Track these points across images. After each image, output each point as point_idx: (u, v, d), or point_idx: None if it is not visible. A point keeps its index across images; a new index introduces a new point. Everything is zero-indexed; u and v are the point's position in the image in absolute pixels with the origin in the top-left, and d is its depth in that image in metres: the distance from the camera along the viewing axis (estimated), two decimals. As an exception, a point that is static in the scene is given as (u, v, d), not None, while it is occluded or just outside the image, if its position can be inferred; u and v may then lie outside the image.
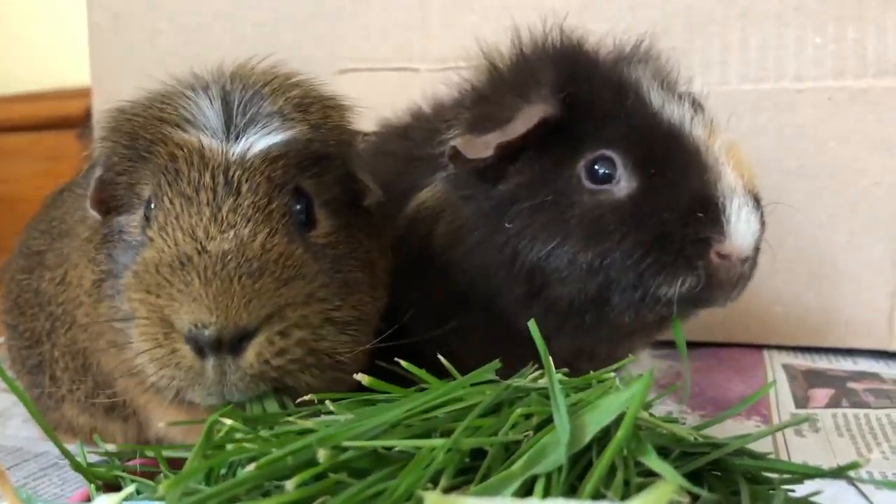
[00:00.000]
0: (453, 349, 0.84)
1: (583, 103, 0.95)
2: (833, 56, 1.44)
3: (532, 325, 0.75)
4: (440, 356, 0.80)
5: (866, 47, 1.43)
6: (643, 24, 1.50)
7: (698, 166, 0.91)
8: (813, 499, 0.73)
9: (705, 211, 0.89)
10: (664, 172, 0.92)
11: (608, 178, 0.93)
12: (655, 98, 0.96)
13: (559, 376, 0.68)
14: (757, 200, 0.93)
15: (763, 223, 0.94)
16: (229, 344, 0.76)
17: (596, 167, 0.93)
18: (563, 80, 0.95)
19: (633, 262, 0.89)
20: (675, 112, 0.95)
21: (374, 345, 0.89)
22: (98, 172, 0.91)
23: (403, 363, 0.77)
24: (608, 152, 0.93)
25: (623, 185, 0.93)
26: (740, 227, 0.89)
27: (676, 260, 0.89)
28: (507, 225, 0.95)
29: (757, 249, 0.94)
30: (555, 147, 0.96)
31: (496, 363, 0.76)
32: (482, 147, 0.94)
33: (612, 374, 0.74)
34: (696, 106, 1.00)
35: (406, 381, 0.78)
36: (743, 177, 0.93)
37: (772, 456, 0.79)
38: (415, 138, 1.13)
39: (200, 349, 0.76)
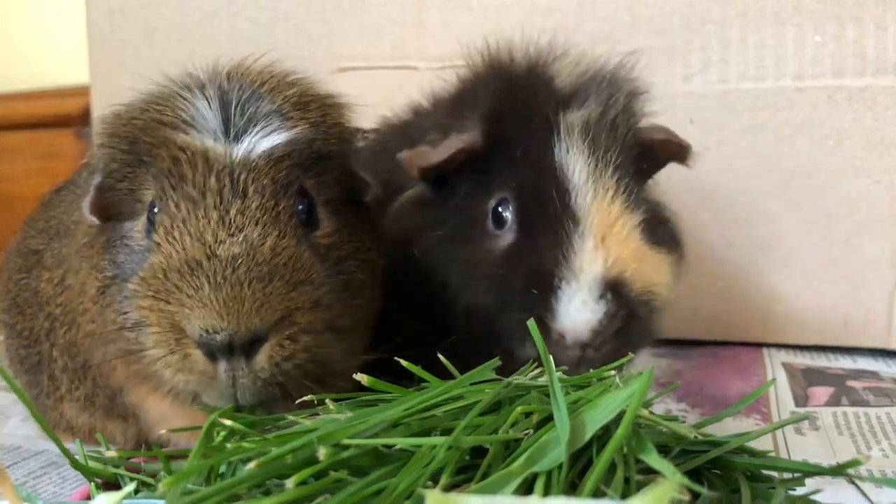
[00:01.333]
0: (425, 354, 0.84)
1: (505, 140, 0.94)
2: (832, 55, 1.44)
3: (531, 324, 0.75)
4: (440, 356, 0.80)
5: (865, 46, 1.43)
6: (641, 22, 1.51)
7: (561, 237, 0.89)
8: (813, 497, 0.73)
9: (539, 288, 0.87)
10: (532, 234, 0.91)
11: (504, 223, 0.93)
12: (561, 149, 0.93)
13: (559, 374, 0.68)
14: (612, 287, 0.88)
15: (612, 314, 0.87)
16: (241, 348, 0.76)
17: (499, 209, 0.93)
18: (494, 113, 0.95)
19: (495, 317, 0.89)
20: (576, 170, 0.92)
21: (369, 358, 0.88)
22: (97, 179, 0.90)
23: (403, 362, 0.76)
24: (508, 197, 0.93)
25: (508, 236, 0.93)
26: (570, 313, 0.86)
27: (518, 328, 0.86)
28: (413, 251, 0.96)
29: (606, 336, 0.88)
30: (478, 177, 0.96)
31: (496, 361, 0.76)
32: (410, 166, 0.96)
33: (612, 373, 0.74)
34: (605, 164, 0.94)
35: (398, 383, 0.77)
36: (610, 258, 0.88)
37: (772, 454, 0.79)
38: (411, 136, 1.13)
39: (212, 354, 0.76)
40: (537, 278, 0.88)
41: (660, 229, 0.99)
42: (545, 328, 0.86)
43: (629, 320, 0.89)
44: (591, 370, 0.80)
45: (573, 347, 0.87)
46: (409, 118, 1.21)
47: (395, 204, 1.04)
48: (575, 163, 0.92)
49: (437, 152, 0.94)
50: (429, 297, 0.96)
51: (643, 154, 0.99)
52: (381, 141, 1.22)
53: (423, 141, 1.00)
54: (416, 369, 0.76)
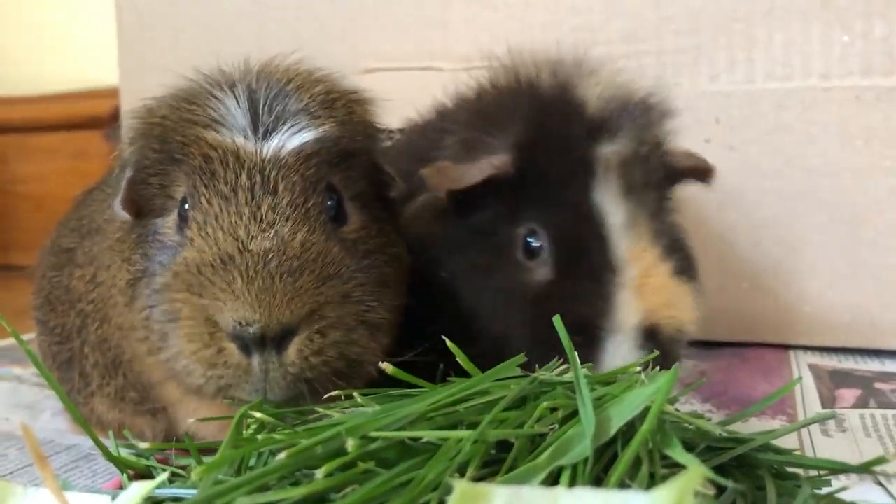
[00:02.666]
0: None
1: (537, 169, 0.93)
2: (860, 54, 1.43)
3: (557, 320, 0.75)
4: (461, 353, 0.79)
5: (894, 45, 1.42)
6: (668, 21, 1.51)
7: (603, 284, 0.90)
8: (839, 496, 0.73)
9: (584, 337, 0.86)
10: (572, 276, 0.91)
11: (535, 255, 0.93)
12: (600, 190, 0.92)
13: (584, 371, 0.69)
14: (648, 335, 0.90)
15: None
16: (273, 341, 0.77)
17: (529, 239, 0.93)
18: (527, 137, 0.94)
19: (529, 349, 0.85)
20: (614, 213, 0.92)
21: (401, 360, 0.88)
22: (128, 174, 0.92)
23: (450, 343, 0.77)
24: (539, 229, 0.93)
25: (543, 271, 0.92)
26: (614, 363, 0.87)
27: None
28: (441, 274, 0.96)
29: None
30: (505, 201, 0.95)
31: (521, 357, 0.76)
32: (437, 185, 0.95)
33: (638, 369, 0.74)
34: (640, 209, 0.94)
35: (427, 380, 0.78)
36: (648, 309, 0.90)
37: (798, 454, 0.78)
38: (433, 137, 1.12)
39: (246, 346, 0.78)
40: (580, 327, 0.86)
41: (681, 257, 0.99)
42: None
43: (661, 362, 0.88)
44: None
45: None
46: (433, 118, 1.22)
47: (410, 206, 1.04)
48: (612, 204, 0.92)
49: (468, 175, 0.93)
50: (450, 308, 0.96)
51: (670, 178, 1.01)
52: (406, 140, 1.22)
53: (445, 153, 0.99)
54: (412, 379, 0.76)
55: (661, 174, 0.98)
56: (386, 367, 0.74)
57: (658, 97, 1.01)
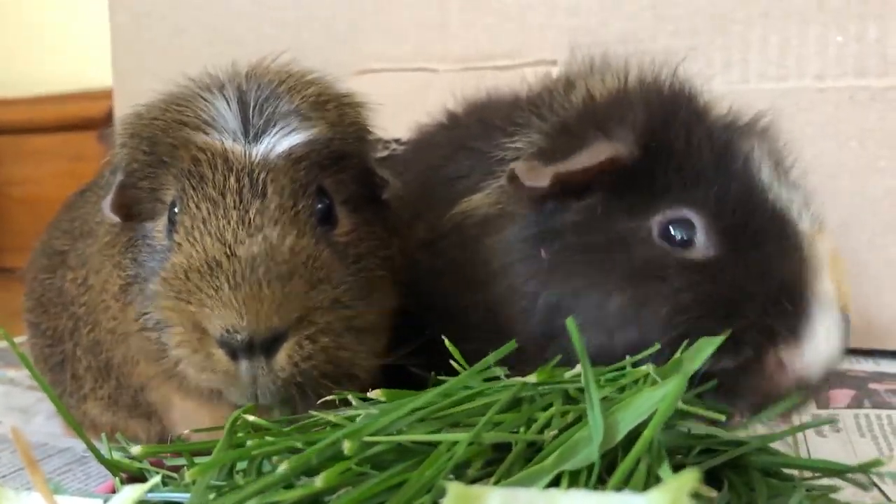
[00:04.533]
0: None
1: (671, 154, 0.85)
2: (855, 55, 1.43)
3: (570, 322, 0.71)
4: (453, 349, 0.78)
5: (888, 46, 1.42)
6: (664, 22, 1.51)
7: (797, 259, 0.80)
8: (832, 496, 0.73)
9: (793, 304, 0.78)
10: (755, 248, 0.81)
11: (684, 243, 0.83)
12: (765, 174, 0.85)
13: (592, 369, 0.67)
14: (846, 323, 0.81)
15: (843, 351, 0.81)
16: (261, 347, 0.77)
17: (672, 227, 0.84)
18: (652, 125, 0.86)
19: (681, 321, 0.79)
20: (785, 196, 0.85)
21: (388, 361, 0.89)
22: (119, 178, 0.91)
23: (448, 343, 0.75)
24: (689, 214, 0.83)
25: (699, 249, 0.83)
26: (818, 342, 0.77)
27: (731, 338, 0.75)
28: (542, 255, 0.87)
29: (822, 380, 0.81)
30: (627, 193, 0.86)
31: (512, 344, 0.73)
32: (539, 175, 0.85)
33: (649, 365, 0.72)
34: (806, 200, 0.88)
35: (420, 385, 0.77)
36: (840, 290, 0.81)
37: (792, 455, 0.78)
38: (467, 126, 1.10)
39: (234, 352, 0.77)
40: (790, 294, 0.78)
41: None
42: (760, 350, 0.78)
43: (839, 363, 0.82)
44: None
45: (788, 378, 0.79)
46: (447, 121, 1.20)
47: (457, 209, 0.97)
48: (782, 186, 0.86)
49: (581, 159, 0.84)
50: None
51: None
52: (427, 137, 1.21)
53: (512, 155, 0.94)
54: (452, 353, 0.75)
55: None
56: (376, 394, 0.72)
57: (769, 119, 0.97)
